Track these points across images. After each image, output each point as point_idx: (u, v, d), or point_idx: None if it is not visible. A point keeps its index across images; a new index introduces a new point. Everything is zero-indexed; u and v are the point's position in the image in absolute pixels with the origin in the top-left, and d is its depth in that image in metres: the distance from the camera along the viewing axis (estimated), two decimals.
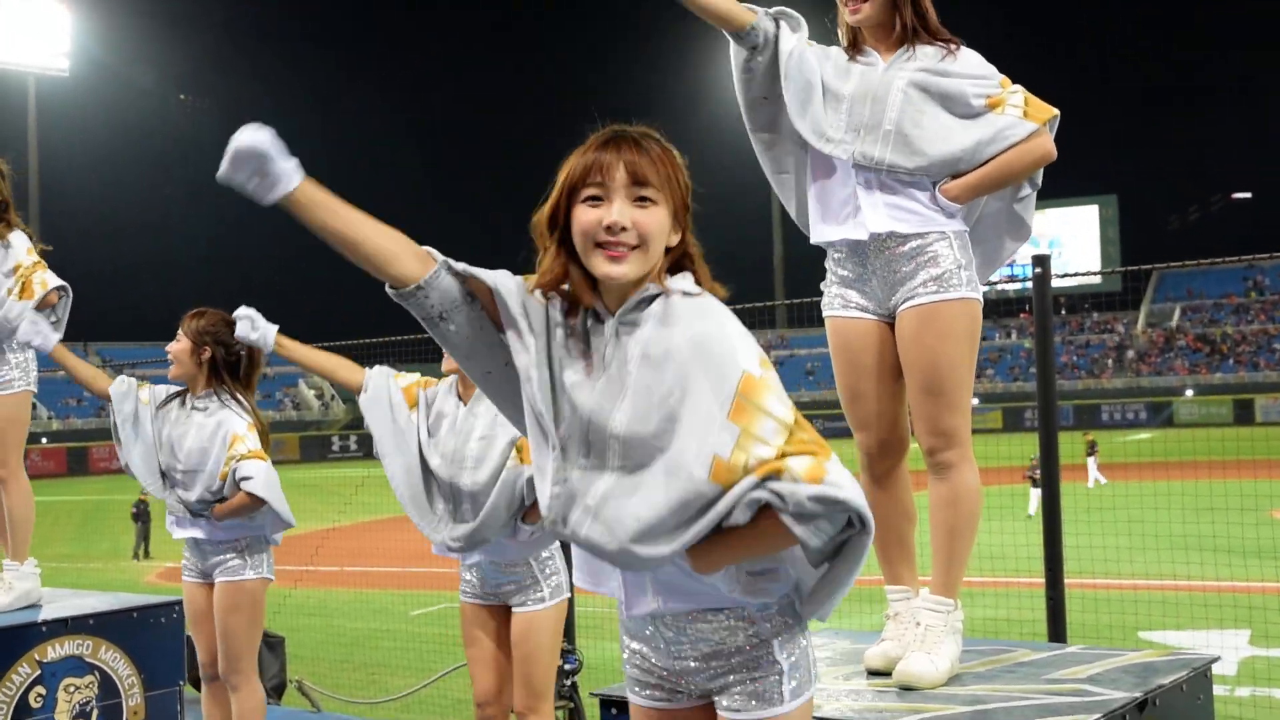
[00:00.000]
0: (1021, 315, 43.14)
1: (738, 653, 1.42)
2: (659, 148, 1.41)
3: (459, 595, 2.98)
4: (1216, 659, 2.32)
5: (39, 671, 3.31)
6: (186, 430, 3.16)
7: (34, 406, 3.69)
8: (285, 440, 35.27)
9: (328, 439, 37.94)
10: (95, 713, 3.42)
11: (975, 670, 2.22)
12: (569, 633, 4.07)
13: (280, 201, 1.34)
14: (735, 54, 2.20)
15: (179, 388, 3.27)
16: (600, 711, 2.18)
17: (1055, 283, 3.69)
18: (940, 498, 2.20)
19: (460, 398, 2.87)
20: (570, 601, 3.06)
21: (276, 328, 2.97)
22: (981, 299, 2.23)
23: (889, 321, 2.24)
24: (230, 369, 3.21)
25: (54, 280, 3.43)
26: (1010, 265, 2.60)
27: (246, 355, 3.23)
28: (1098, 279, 42.83)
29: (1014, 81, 2.25)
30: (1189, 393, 37.71)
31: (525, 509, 2.76)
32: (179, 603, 3.65)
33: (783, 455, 1.29)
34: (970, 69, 2.21)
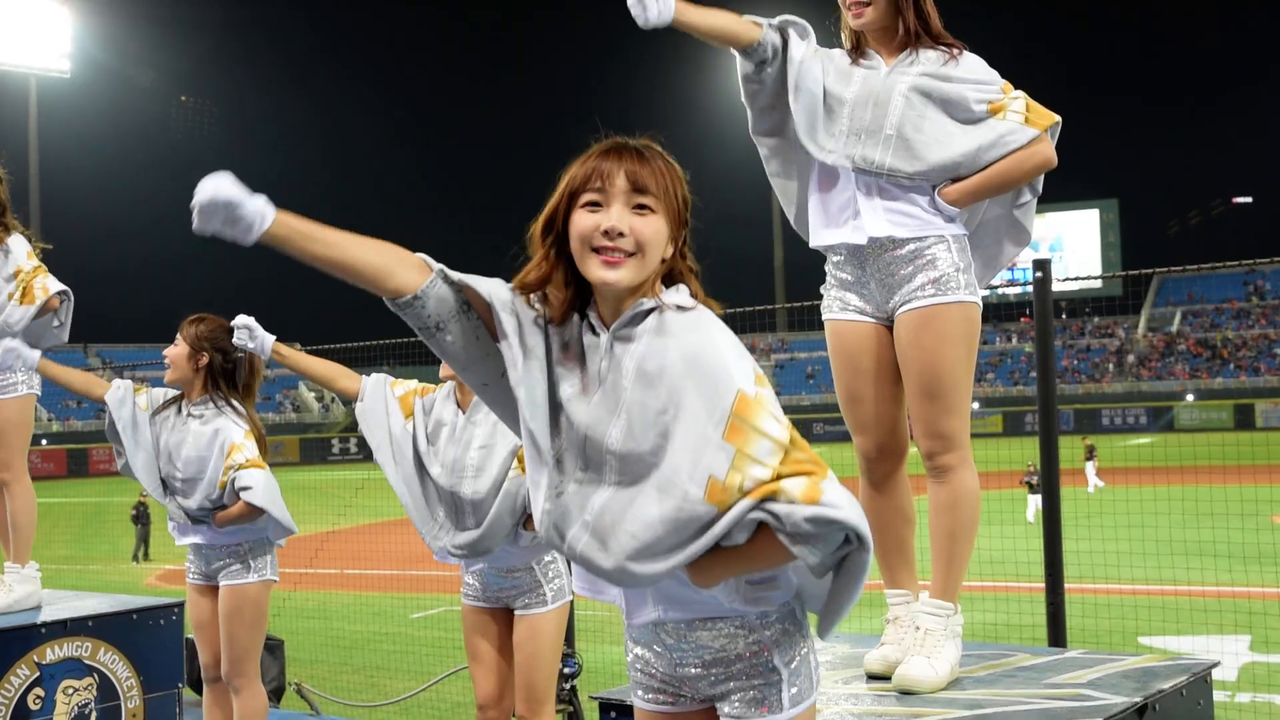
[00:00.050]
0: (1022, 319, 43.20)
1: (738, 660, 1.42)
2: (661, 160, 1.41)
3: (460, 598, 2.97)
4: (1216, 664, 2.32)
5: (38, 673, 3.30)
6: (184, 438, 3.16)
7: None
8: (285, 442, 35.20)
9: (327, 441, 37.88)
10: (94, 715, 3.41)
11: (975, 675, 2.21)
12: (569, 637, 4.06)
13: (261, 239, 1.33)
14: (742, 66, 2.19)
15: (175, 392, 3.27)
16: (599, 715, 2.18)
17: (1056, 287, 3.69)
18: (939, 502, 2.20)
19: (459, 405, 2.86)
20: (570, 605, 3.06)
21: (274, 337, 2.97)
22: (980, 303, 2.23)
23: (887, 325, 2.24)
24: (227, 376, 3.20)
25: (55, 285, 3.43)
26: (1011, 269, 2.60)
27: (247, 363, 3.22)
28: (1098, 283, 42.83)
29: (1015, 85, 2.25)
30: (1189, 397, 37.69)
31: (527, 517, 2.76)
32: (178, 605, 3.65)
33: (778, 476, 1.29)
34: (972, 74, 2.21)
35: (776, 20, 2.19)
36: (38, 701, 3.28)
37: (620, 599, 1.46)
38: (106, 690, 3.44)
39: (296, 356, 3.00)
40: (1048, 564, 3.41)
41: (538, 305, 1.45)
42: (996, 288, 3.38)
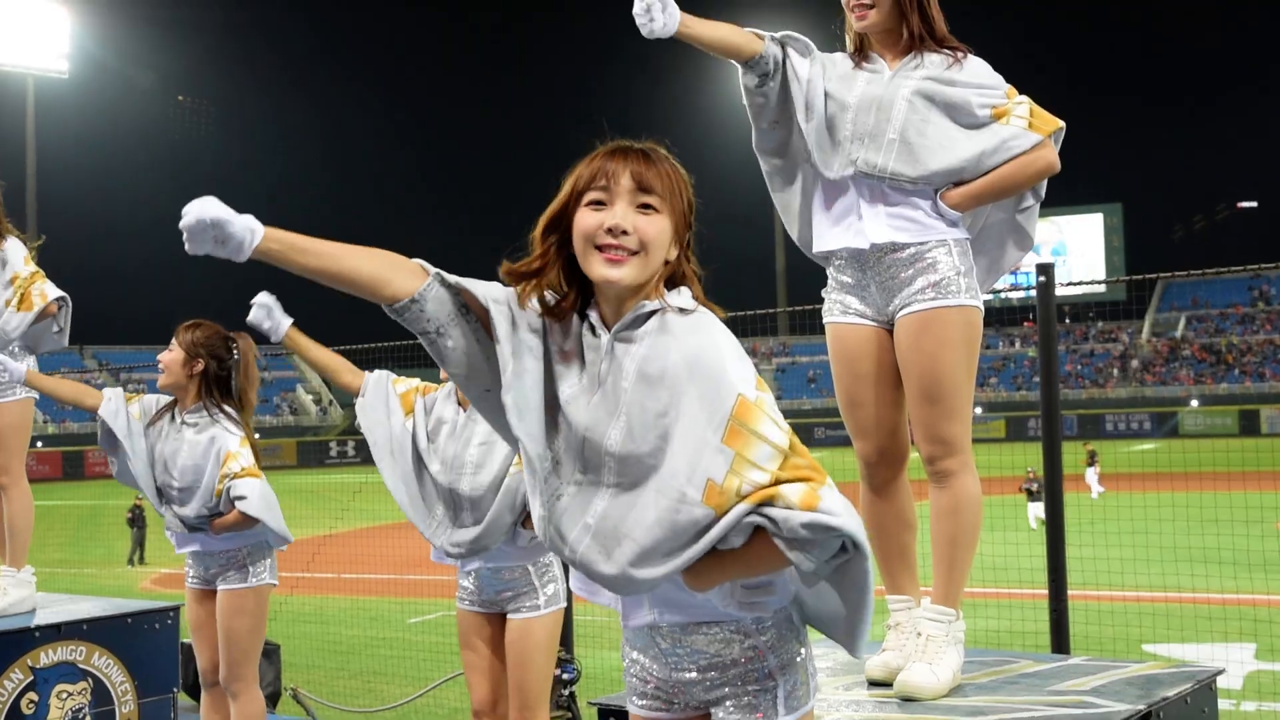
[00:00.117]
0: (1025, 324, 43.13)
1: (733, 665, 1.41)
2: (667, 163, 1.42)
3: (455, 602, 2.96)
4: (1221, 671, 2.31)
5: (31, 677, 3.29)
6: (179, 447, 3.15)
7: None
8: (282, 445, 35.12)
9: (325, 444, 37.76)
10: (88, 719, 3.41)
11: (977, 681, 2.20)
12: (567, 642, 4.05)
13: (253, 256, 1.34)
14: (745, 79, 2.19)
15: (167, 399, 3.26)
16: None
17: (1059, 291, 3.69)
18: (941, 507, 2.19)
19: (460, 404, 2.86)
20: (569, 611, 3.05)
21: (291, 321, 2.95)
22: (982, 307, 2.22)
23: (888, 328, 2.23)
24: (221, 383, 3.19)
25: (53, 291, 3.43)
26: (1014, 274, 2.59)
27: (243, 372, 3.20)
28: (1102, 288, 42.87)
29: (1019, 89, 2.25)
30: (1194, 403, 37.62)
31: (526, 515, 2.75)
32: (173, 609, 3.64)
33: (777, 481, 1.29)
34: (976, 78, 2.20)
35: (778, 35, 2.19)
36: (31, 706, 3.27)
37: (616, 602, 1.45)
38: (101, 695, 3.43)
39: (307, 344, 2.98)
40: (1051, 570, 3.39)
41: (536, 307, 1.44)
42: (999, 292, 3.38)
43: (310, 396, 45.68)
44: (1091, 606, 6.64)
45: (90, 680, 3.41)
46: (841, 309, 2.27)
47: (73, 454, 32.38)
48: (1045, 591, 3.43)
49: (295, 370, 45.71)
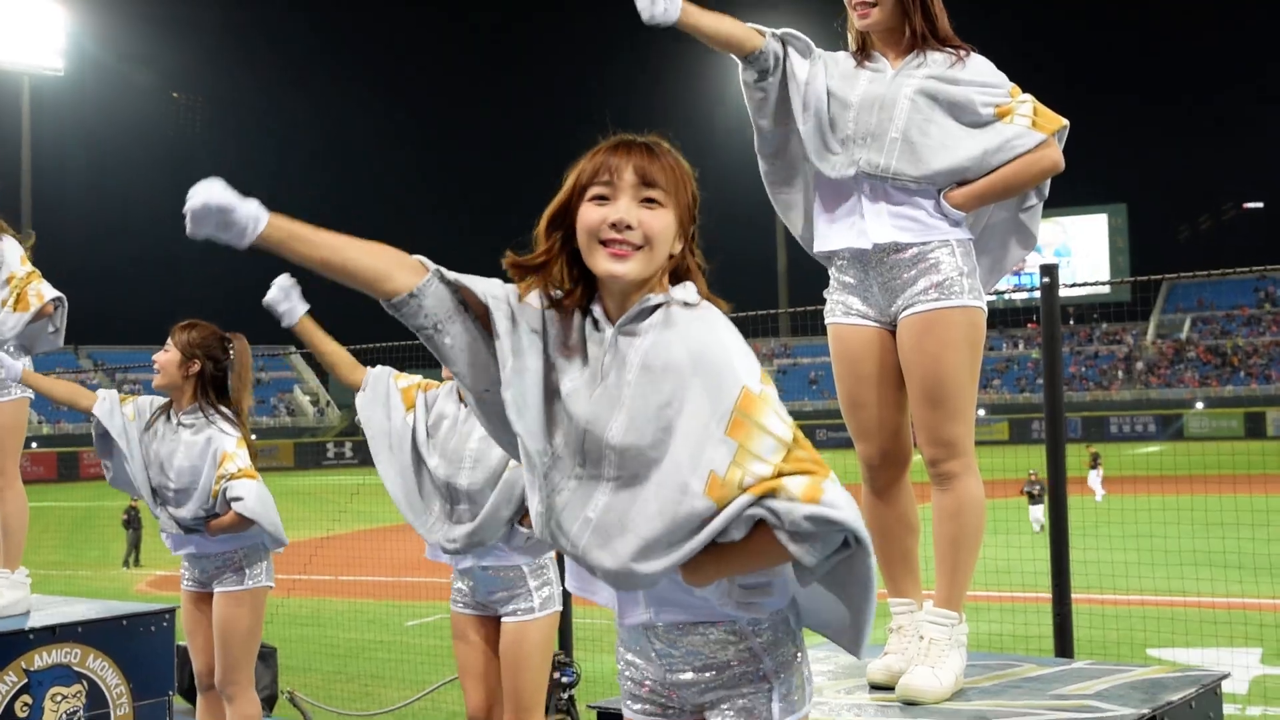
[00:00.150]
0: (1029, 325, 43.04)
1: (727, 667, 1.40)
2: (670, 156, 1.41)
3: (450, 605, 2.94)
4: (1226, 676, 2.29)
5: (25, 680, 3.28)
6: (175, 448, 3.14)
7: None
8: (279, 447, 34.99)
9: (322, 446, 37.59)
10: None
11: (980, 685, 2.19)
12: (567, 645, 4.03)
13: (255, 243, 1.34)
14: (744, 75, 2.18)
15: (162, 401, 3.24)
16: None
17: (1063, 293, 3.67)
18: (943, 509, 2.18)
19: (461, 400, 2.85)
20: (568, 614, 3.03)
21: (308, 308, 2.90)
22: (985, 307, 2.21)
23: (890, 329, 2.22)
24: (217, 384, 3.18)
25: (50, 291, 3.42)
26: (1018, 275, 2.58)
27: (238, 371, 3.19)
28: (1106, 289, 42.74)
29: (1024, 89, 2.23)
30: (1199, 405, 37.51)
31: (524, 512, 2.74)
32: (169, 611, 3.63)
33: (780, 474, 1.29)
34: (979, 77, 2.19)
35: (779, 31, 2.18)
36: (25, 709, 3.26)
37: (612, 600, 1.44)
38: (96, 698, 3.41)
39: (315, 332, 2.94)
40: (1054, 573, 3.38)
41: (536, 303, 1.43)
42: (1003, 293, 3.36)
43: (307, 398, 45.58)
44: (1095, 610, 6.61)
45: (85, 683, 3.40)
46: (844, 309, 2.25)
47: (68, 455, 32.10)
48: (1049, 595, 3.41)
49: (292, 371, 45.67)
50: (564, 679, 3.81)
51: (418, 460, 2.81)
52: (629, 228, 1.36)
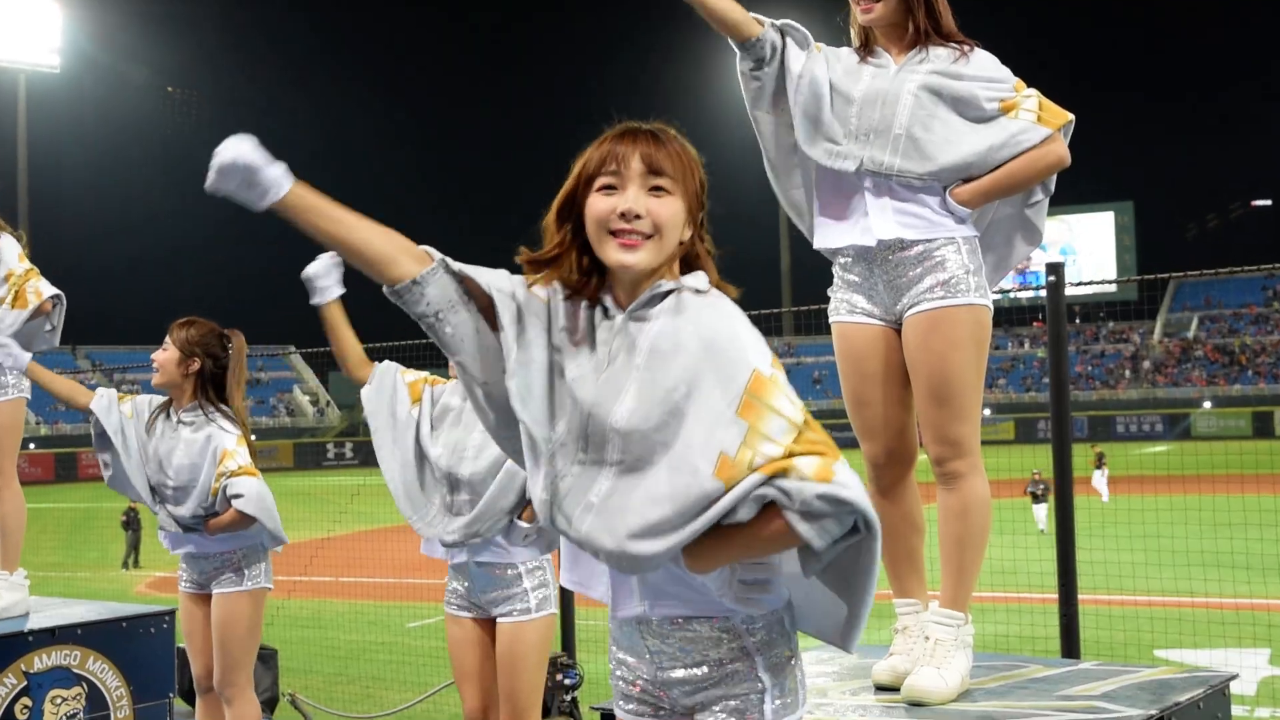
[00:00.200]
0: (1035, 324, 42.91)
1: (719, 665, 1.39)
2: (677, 143, 1.41)
3: (444, 607, 2.92)
4: (1234, 677, 2.27)
5: (25, 682, 3.27)
6: (174, 446, 3.13)
7: None
8: (279, 447, 34.88)
9: (322, 446, 37.49)
10: None
11: (986, 686, 2.17)
12: (570, 647, 4.02)
13: (272, 207, 1.35)
14: (741, 64, 2.17)
15: (161, 399, 3.24)
16: None
17: (1070, 291, 3.65)
18: (949, 509, 2.16)
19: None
20: (571, 615, 3.01)
21: (343, 292, 2.88)
22: (991, 305, 2.19)
23: (896, 328, 2.20)
24: (217, 382, 3.17)
25: (48, 289, 3.42)
26: (1024, 273, 2.56)
27: (235, 365, 3.18)
28: (1113, 287, 42.57)
29: (1030, 85, 2.21)
30: (1206, 405, 37.38)
31: (523, 506, 2.73)
32: (169, 613, 3.61)
33: (790, 454, 1.28)
34: (983, 71, 2.17)
35: (779, 22, 2.17)
36: (25, 712, 3.26)
37: (608, 594, 1.43)
38: (95, 700, 3.40)
39: (341, 321, 2.93)
40: (1061, 574, 3.36)
41: (543, 293, 1.43)
42: (1008, 292, 3.34)
43: (307, 398, 45.42)
44: (1102, 611, 6.58)
45: (85, 685, 3.39)
46: (848, 308, 2.23)
47: (65, 456, 31.90)
48: (1055, 595, 3.39)
49: (292, 371, 45.62)
50: (567, 680, 3.80)
51: (420, 454, 2.81)
52: (638, 217, 1.36)
